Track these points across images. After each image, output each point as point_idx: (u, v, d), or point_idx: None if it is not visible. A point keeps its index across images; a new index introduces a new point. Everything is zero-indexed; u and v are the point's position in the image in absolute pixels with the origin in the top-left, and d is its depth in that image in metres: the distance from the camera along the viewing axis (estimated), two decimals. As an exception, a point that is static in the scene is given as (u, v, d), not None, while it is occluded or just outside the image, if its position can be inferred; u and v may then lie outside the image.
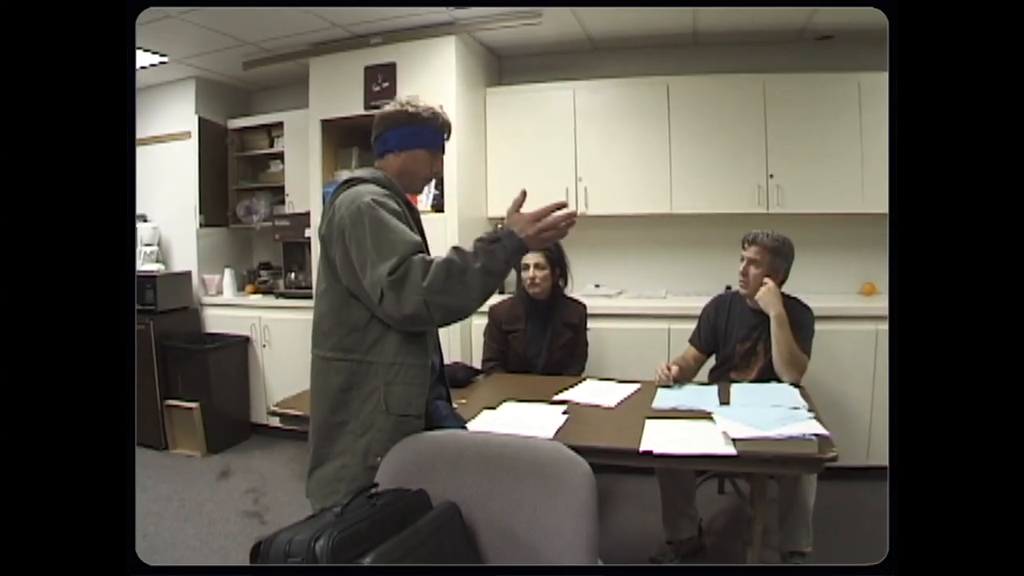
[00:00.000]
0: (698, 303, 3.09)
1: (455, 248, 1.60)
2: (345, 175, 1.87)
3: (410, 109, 1.83)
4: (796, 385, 2.51)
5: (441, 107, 1.89)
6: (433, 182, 3.79)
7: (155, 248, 4.76)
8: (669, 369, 2.67)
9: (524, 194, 1.65)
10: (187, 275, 4.74)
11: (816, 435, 1.86)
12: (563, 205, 1.64)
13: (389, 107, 1.86)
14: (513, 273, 3.99)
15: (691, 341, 2.97)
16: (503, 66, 4.56)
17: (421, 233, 1.80)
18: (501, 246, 1.59)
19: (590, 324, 3.31)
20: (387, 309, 1.58)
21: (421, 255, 1.58)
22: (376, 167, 1.86)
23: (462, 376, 2.75)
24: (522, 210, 1.64)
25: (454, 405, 2.01)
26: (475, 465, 1.56)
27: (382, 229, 1.61)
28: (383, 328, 1.68)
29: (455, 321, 1.62)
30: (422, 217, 1.82)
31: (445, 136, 1.90)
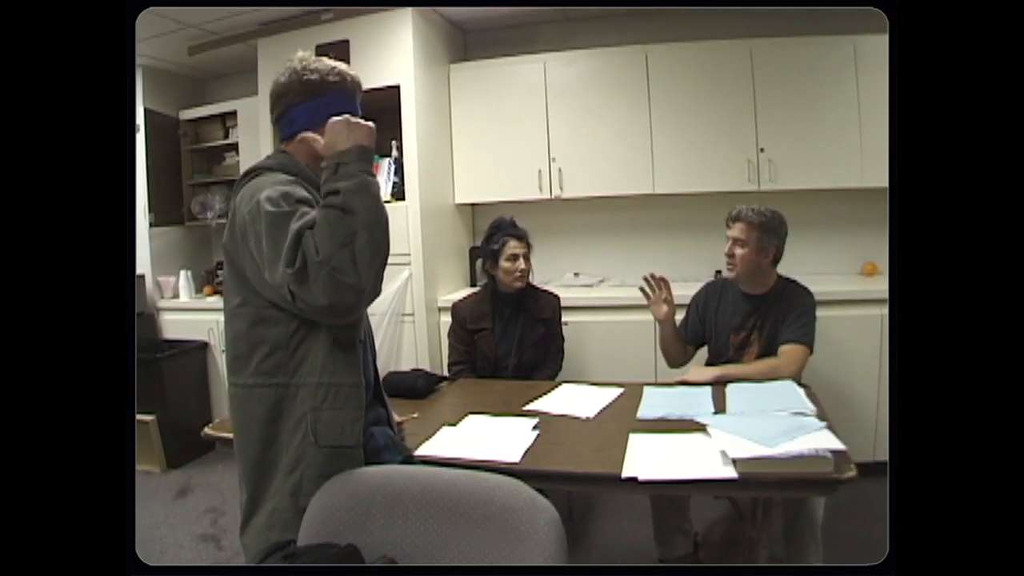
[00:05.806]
0: (687, 291, 2.85)
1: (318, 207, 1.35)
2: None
3: (312, 77, 1.51)
4: (801, 384, 2.22)
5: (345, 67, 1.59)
6: (392, 168, 3.54)
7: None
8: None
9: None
10: (139, 279, 4.40)
11: (832, 451, 1.57)
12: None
13: (283, 77, 1.53)
14: (478, 265, 3.74)
15: None
16: (468, 40, 4.25)
17: None
18: (345, 167, 1.33)
19: (568, 317, 3.05)
20: (305, 309, 1.31)
21: (308, 230, 1.31)
22: (283, 150, 1.57)
23: (422, 385, 2.43)
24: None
25: (405, 418, 1.73)
26: (418, 510, 1.30)
27: (278, 221, 1.33)
28: (308, 343, 1.42)
29: (383, 267, 1.34)
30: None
31: (359, 97, 1.59)
